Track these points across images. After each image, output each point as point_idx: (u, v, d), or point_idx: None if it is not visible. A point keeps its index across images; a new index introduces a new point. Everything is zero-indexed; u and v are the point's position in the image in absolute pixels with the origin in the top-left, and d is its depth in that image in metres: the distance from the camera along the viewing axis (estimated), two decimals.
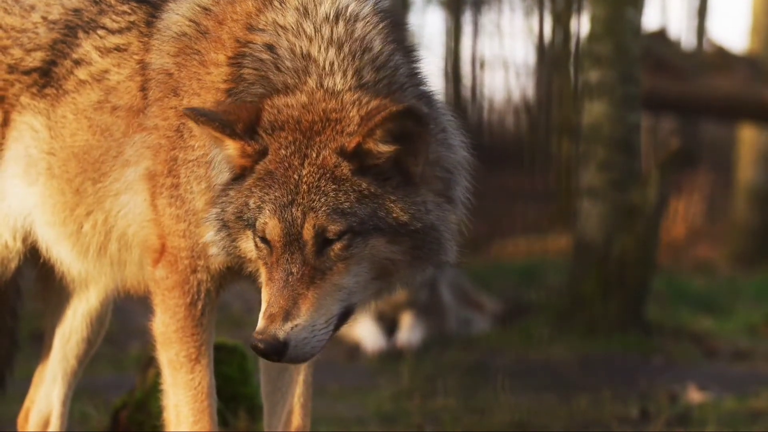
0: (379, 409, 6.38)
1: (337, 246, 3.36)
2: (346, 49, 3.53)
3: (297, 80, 3.52)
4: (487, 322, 9.21)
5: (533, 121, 16.52)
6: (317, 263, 3.37)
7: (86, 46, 3.95)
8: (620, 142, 8.35)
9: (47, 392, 4.49)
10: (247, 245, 3.50)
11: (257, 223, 3.41)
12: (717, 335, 8.85)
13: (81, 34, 3.98)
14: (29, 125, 4.00)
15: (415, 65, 3.67)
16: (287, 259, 3.37)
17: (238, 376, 5.11)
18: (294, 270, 3.37)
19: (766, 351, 8.39)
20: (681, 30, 19.58)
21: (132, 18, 3.94)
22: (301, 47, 3.55)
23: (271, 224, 3.39)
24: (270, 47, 3.58)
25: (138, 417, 5.08)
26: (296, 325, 3.34)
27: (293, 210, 3.37)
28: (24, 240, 4.09)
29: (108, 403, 5.52)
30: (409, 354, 8.20)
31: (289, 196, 3.38)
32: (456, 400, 6.44)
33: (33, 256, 4.18)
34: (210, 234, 3.57)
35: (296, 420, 3.96)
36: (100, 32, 3.95)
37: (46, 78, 3.99)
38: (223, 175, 3.56)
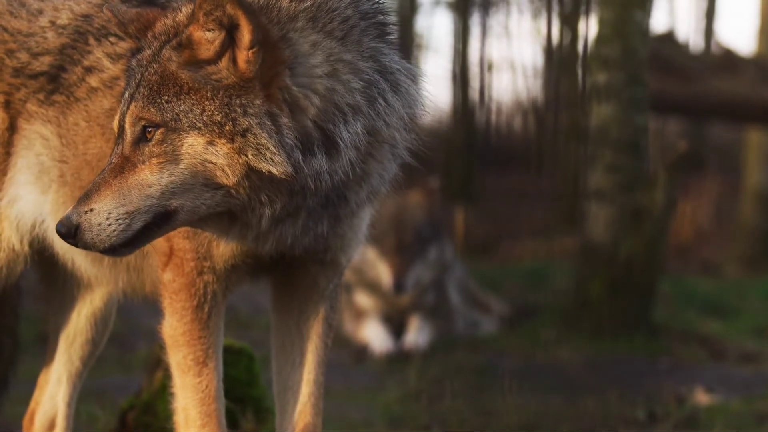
0: (386, 411, 6.38)
1: (152, 142, 3.35)
2: None
3: None
4: (494, 324, 9.20)
5: (541, 123, 16.51)
6: (131, 155, 3.37)
7: (98, 53, 3.95)
8: (627, 145, 8.35)
9: (52, 394, 4.49)
10: None
11: None
12: (724, 337, 8.83)
13: (92, 41, 3.97)
14: (39, 134, 3.99)
15: (381, 32, 3.56)
16: (113, 152, 3.42)
17: (246, 378, 5.10)
18: (113, 160, 3.40)
19: None
20: (689, 32, 19.57)
21: None
22: None
23: (115, 119, 3.46)
24: None
25: (145, 419, 5.08)
26: (91, 210, 3.34)
27: (126, 102, 3.42)
28: (31, 244, 4.10)
29: (115, 405, 5.53)
30: (416, 356, 8.20)
31: (130, 90, 3.43)
32: (463, 401, 6.44)
33: (38, 259, 4.18)
34: None
35: (307, 419, 3.93)
36: (111, 39, 3.95)
37: (55, 84, 3.98)
38: None
